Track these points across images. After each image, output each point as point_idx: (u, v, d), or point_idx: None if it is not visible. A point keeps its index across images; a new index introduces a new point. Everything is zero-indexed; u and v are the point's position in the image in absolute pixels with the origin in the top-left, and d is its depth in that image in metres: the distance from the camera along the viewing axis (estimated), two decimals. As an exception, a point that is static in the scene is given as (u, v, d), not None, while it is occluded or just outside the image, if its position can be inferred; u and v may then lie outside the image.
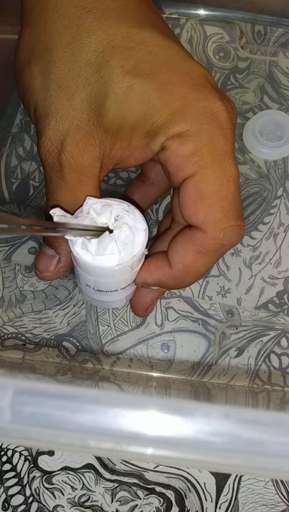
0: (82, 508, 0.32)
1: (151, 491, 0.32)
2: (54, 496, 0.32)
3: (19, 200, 0.37)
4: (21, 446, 0.33)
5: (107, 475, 0.32)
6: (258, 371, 0.34)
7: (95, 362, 0.34)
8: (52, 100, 0.25)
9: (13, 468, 0.32)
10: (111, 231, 0.26)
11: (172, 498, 0.32)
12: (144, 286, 0.29)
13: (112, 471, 0.32)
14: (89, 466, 0.32)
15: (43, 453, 0.33)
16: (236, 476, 0.32)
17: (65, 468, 0.32)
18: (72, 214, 0.26)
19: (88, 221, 0.26)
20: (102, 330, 0.35)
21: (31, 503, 0.32)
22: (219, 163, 0.25)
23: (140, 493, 0.32)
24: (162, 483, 0.32)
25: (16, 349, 0.34)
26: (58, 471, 0.32)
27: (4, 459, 0.33)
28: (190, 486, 0.32)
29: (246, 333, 0.35)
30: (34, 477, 0.32)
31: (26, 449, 0.33)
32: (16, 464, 0.32)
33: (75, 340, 0.34)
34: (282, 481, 0.32)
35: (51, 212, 0.25)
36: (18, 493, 0.32)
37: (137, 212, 0.26)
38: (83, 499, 0.32)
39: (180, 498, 0.32)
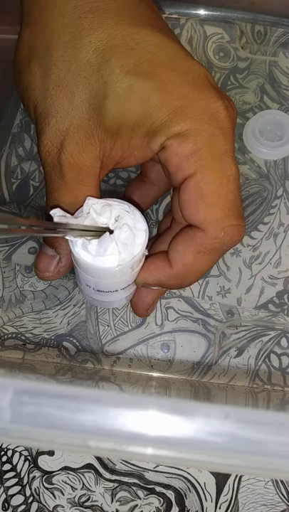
0: (82, 508, 0.32)
1: (151, 491, 0.32)
2: (54, 496, 0.32)
3: (19, 200, 0.37)
4: (21, 446, 0.32)
5: (107, 475, 0.32)
6: (258, 371, 0.34)
7: (95, 362, 0.34)
8: (52, 100, 0.25)
9: (13, 468, 0.32)
10: (111, 231, 0.26)
11: (172, 498, 0.32)
12: (144, 286, 0.29)
13: (112, 471, 0.32)
14: (89, 466, 0.32)
15: (43, 453, 0.33)
16: (236, 476, 0.32)
17: (65, 468, 0.32)
18: (72, 214, 0.26)
19: (88, 221, 0.25)
20: (102, 330, 0.35)
21: (31, 503, 0.32)
22: (219, 163, 0.25)
23: (140, 493, 0.32)
24: (162, 483, 0.32)
25: (16, 349, 0.34)
26: (58, 471, 0.32)
27: (4, 459, 0.33)
28: (190, 486, 0.32)
29: (246, 333, 0.35)
30: (34, 477, 0.32)
31: (26, 449, 0.33)
32: (16, 464, 0.32)
33: (75, 340, 0.34)
34: (282, 481, 0.32)
35: (51, 212, 0.25)
36: (18, 493, 0.32)
37: (138, 212, 0.26)
38: (83, 499, 0.32)
39: (180, 498, 0.32)
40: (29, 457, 0.33)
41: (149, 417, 0.16)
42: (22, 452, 0.33)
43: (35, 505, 0.32)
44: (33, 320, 0.35)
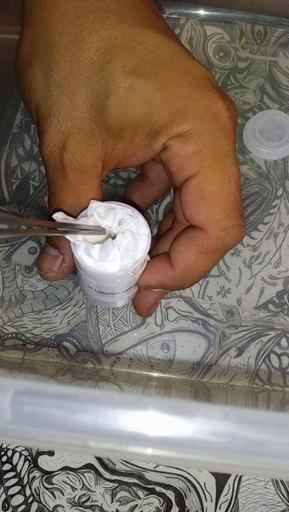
0: (82, 508, 0.32)
1: (151, 491, 0.32)
2: (54, 496, 0.32)
3: (19, 200, 0.37)
4: (21, 446, 0.33)
5: (107, 475, 0.32)
6: (258, 371, 0.34)
7: (95, 362, 0.34)
8: (53, 100, 0.25)
9: (13, 468, 0.32)
10: (113, 237, 0.26)
11: (172, 498, 0.32)
12: (146, 288, 0.29)
13: (112, 471, 0.32)
14: (89, 466, 0.32)
15: (43, 453, 0.33)
16: (236, 476, 0.32)
17: (65, 468, 0.32)
18: (74, 216, 0.26)
19: (92, 223, 0.26)
20: (102, 330, 0.35)
21: (31, 503, 0.32)
22: (221, 163, 0.25)
23: (140, 493, 0.32)
24: (162, 483, 0.32)
25: (16, 349, 0.34)
26: (58, 471, 0.32)
27: (4, 459, 0.33)
28: (190, 486, 0.32)
29: (246, 333, 0.35)
30: (34, 477, 0.32)
31: (26, 449, 0.33)
32: (16, 464, 0.32)
33: (75, 340, 0.34)
34: (282, 481, 0.32)
35: (54, 216, 0.25)
36: (18, 493, 0.32)
37: (141, 217, 0.26)
38: (83, 499, 0.32)
39: (180, 498, 0.32)
40: (29, 457, 0.33)
41: (149, 417, 0.16)
42: (22, 452, 0.33)
43: (35, 505, 0.32)
44: (33, 320, 0.35)
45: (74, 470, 0.32)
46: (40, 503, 0.32)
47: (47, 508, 0.32)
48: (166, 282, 0.28)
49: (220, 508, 0.32)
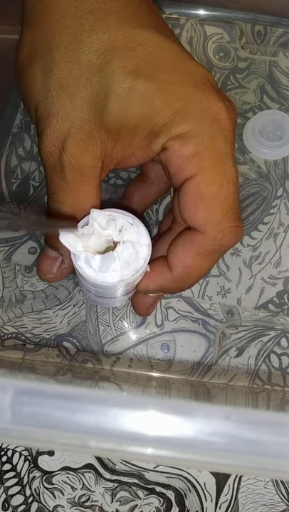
0: (82, 508, 0.32)
1: (151, 491, 0.32)
2: (54, 496, 0.32)
3: (19, 200, 0.37)
4: (21, 446, 0.33)
5: (107, 475, 0.32)
6: (258, 371, 0.34)
7: (95, 362, 0.34)
8: (53, 100, 0.25)
9: (13, 468, 0.32)
10: (114, 246, 0.25)
11: (172, 498, 0.32)
12: (146, 293, 0.29)
13: (112, 471, 0.32)
14: (89, 466, 0.32)
15: (43, 453, 0.33)
16: (236, 476, 0.32)
17: (65, 468, 0.32)
18: (73, 217, 0.26)
19: (94, 236, 0.25)
20: (102, 330, 0.35)
21: (31, 503, 0.32)
22: (220, 165, 0.25)
23: (140, 493, 0.32)
24: (162, 483, 0.32)
25: (16, 349, 0.34)
26: (58, 471, 0.32)
27: (4, 459, 0.33)
28: (190, 486, 0.32)
29: (246, 333, 0.35)
30: (34, 477, 0.32)
31: (26, 449, 0.33)
32: (16, 464, 0.32)
33: (75, 340, 0.34)
34: (282, 481, 0.32)
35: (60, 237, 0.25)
36: (18, 493, 0.32)
37: (142, 226, 0.26)
38: (83, 499, 0.32)
39: (180, 498, 0.32)
40: (29, 457, 0.33)
41: (149, 417, 0.16)
42: (22, 452, 0.33)
43: (35, 505, 0.32)
44: (33, 320, 0.35)
45: (74, 470, 0.32)
46: (40, 503, 0.32)
47: (47, 508, 0.32)
48: (165, 285, 0.28)
49: (220, 508, 0.32)
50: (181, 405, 0.16)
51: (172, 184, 0.27)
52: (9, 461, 0.33)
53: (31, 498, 0.32)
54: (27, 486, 0.32)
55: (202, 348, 0.34)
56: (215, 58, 0.42)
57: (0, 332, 0.34)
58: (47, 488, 0.32)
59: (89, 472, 0.32)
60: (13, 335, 0.34)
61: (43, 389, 0.16)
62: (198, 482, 0.32)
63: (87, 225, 0.26)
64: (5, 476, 0.32)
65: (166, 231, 0.30)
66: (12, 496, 0.32)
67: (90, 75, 0.25)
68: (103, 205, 0.27)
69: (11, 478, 0.32)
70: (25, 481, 0.32)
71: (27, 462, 0.32)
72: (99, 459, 0.32)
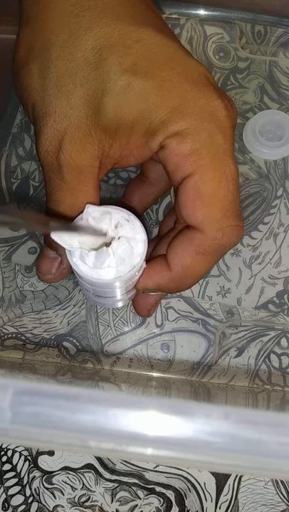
0: (82, 508, 0.32)
1: (151, 491, 0.32)
2: (54, 496, 0.32)
3: (19, 200, 0.37)
4: (21, 446, 0.32)
5: (107, 475, 0.32)
6: (258, 371, 0.34)
7: (95, 362, 0.34)
8: (50, 99, 0.25)
9: (13, 468, 0.32)
10: (109, 242, 0.25)
11: (172, 498, 0.32)
12: (144, 291, 0.29)
13: (112, 471, 0.32)
14: (89, 466, 0.32)
15: (43, 453, 0.33)
16: (236, 476, 0.32)
17: (65, 468, 0.32)
18: (72, 217, 0.26)
19: (88, 231, 0.25)
20: (102, 330, 0.35)
21: (31, 503, 0.32)
22: (218, 162, 0.25)
23: (140, 493, 0.32)
24: (162, 483, 0.32)
25: (16, 349, 0.34)
26: (58, 471, 0.32)
27: (4, 459, 0.33)
28: (190, 486, 0.32)
29: (246, 333, 0.35)
30: (34, 477, 0.32)
31: (26, 449, 0.33)
32: (16, 464, 0.32)
33: (75, 340, 0.34)
34: (282, 481, 0.32)
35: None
36: (18, 493, 0.32)
37: (137, 222, 0.26)
38: (83, 499, 0.32)
39: (180, 498, 0.32)
40: (29, 457, 0.33)
41: (149, 417, 0.16)
42: (22, 452, 0.33)
43: (35, 505, 0.32)
44: (33, 320, 0.35)
45: (74, 470, 0.32)
46: (40, 503, 0.32)
47: (47, 508, 0.32)
48: (163, 284, 0.28)
49: (220, 508, 0.32)
50: (181, 405, 0.16)
51: (172, 183, 0.27)
52: (9, 461, 0.33)
53: (31, 498, 0.32)
54: (27, 486, 0.32)
55: (202, 348, 0.34)
56: (215, 58, 0.42)
57: (0, 332, 0.34)
58: (47, 488, 0.32)
59: (89, 472, 0.32)
60: (13, 335, 0.34)
61: (43, 389, 0.16)
62: (198, 482, 0.32)
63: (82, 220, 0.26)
64: (5, 476, 0.32)
65: (168, 231, 0.30)
66: (12, 495, 0.32)
67: (87, 73, 0.25)
68: (103, 205, 0.27)
69: (11, 478, 0.32)
70: (25, 481, 0.32)
71: (27, 462, 0.32)
72: (99, 459, 0.32)
